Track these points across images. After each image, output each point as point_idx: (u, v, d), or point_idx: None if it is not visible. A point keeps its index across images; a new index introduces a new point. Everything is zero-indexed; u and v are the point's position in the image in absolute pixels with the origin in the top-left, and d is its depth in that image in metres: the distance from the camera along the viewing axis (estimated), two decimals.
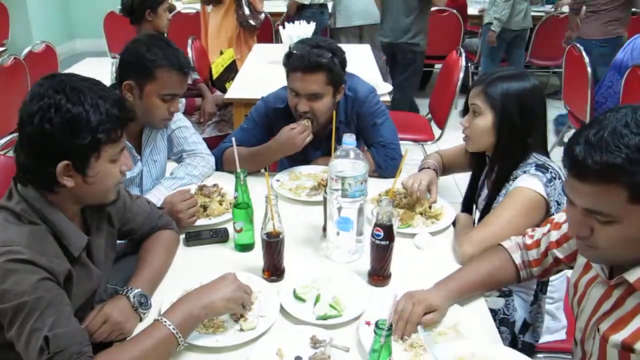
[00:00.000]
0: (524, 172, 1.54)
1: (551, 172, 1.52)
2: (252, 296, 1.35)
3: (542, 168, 1.53)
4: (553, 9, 5.56)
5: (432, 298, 1.30)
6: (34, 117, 1.10)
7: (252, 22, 4.27)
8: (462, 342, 1.22)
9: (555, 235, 1.35)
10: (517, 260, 1.40)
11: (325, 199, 1.58)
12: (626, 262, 1.06)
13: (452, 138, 3.31)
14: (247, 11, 4.24)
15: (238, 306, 1.24)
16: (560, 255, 1.34)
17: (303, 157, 2.10)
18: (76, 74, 1.21)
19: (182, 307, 1.18)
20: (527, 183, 1.51)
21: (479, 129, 1.60)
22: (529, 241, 1.40)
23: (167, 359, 1.16)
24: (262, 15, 4.52)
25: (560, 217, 1.37)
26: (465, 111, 1.68)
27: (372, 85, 2.13)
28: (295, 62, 1.87)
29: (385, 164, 2.00)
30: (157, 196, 1.78)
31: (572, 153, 0.98)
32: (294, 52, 1.89)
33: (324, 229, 1.66)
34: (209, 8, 4.48)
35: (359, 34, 4.56)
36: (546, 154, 1.62)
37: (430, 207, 1.76)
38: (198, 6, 5.10)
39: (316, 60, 1.85)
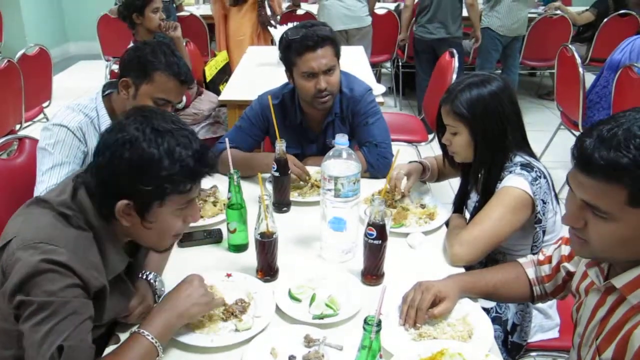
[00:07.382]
0: (510, 172, 1.56)
1: (536, 171, 1.55)
2: (248, 296, 1.37)
3: (527, 167, 1.55)
4: (544, 11, 5.58)
5: (440, 285, 1.31)
6: (108, 148, 1.07)
7: (273, 22, 4.42)
8: (428, 342, 1.22)
9: (566, 249, 1.34)
10: (531, 275, 1.40)
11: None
12: (615, 262, 1.06)
13: None
14: (269, 12, 4.42)
15: (207, 309, 1.26)
16: (572, 269, 1.30)
17: (300, 150, 2.12)
18: (167, 112, 1.17)
19: (159, 318, 1.17)
20: (513, 182, 1.53)
21: (460, 145, 1.62)
22: (541, 257, 1.40)
23: None
24: (278, 17, 4.72)
25: None
26: (438, 128, 1.69)
27: (367, 84, 2.14)
28: (301, 44, 1.88)
29: (377, 163, 2.01)
30: None
31: (581, 144, 0.97)
32: (293, 37, 1.90)
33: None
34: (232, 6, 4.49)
35: (345, 37, 4.58)
36: (528, 149, 1.63)
37: (398, 199, 1.79)
38: (192, 9, 5.08)
39: (322, 34, 1.88)
